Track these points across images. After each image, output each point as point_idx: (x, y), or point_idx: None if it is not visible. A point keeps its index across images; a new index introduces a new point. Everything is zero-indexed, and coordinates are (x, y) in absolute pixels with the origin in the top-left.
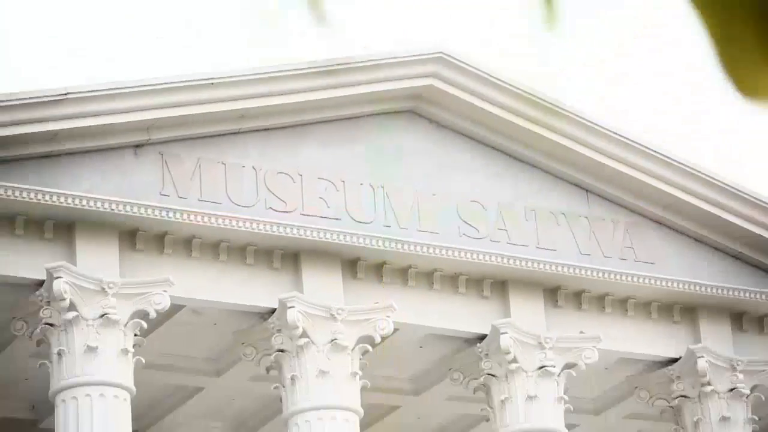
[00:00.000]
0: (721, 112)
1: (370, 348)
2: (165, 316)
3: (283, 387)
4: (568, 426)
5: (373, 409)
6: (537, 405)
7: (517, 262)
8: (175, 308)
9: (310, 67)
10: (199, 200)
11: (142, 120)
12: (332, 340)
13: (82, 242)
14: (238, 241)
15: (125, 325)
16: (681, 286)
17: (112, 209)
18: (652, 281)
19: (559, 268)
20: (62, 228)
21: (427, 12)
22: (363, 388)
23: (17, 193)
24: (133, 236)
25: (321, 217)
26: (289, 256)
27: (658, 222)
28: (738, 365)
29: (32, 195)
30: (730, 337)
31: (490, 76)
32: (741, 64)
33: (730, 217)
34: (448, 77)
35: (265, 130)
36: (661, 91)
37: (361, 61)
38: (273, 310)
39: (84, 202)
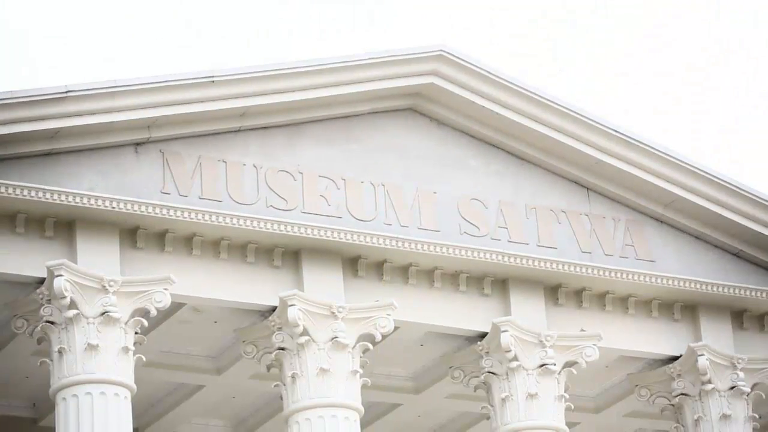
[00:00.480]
0: (722, 111)
1: (370, 346)
2: (165, 314)
3: (284, 385)
4: (569, 424)
5: (374, 407)
6: (537, 403)
7: (518, 260)
8: (176, 306)
9: (311, 66)
10: (200, 198)
11: (142, 118)
12: (333, 338)
13: (82, 240)
14: (239, 239)
15: (126, 323)
16: (681, 284)
17: (113, 207)
18: (653, 279)
19: (560, 266)
20: (63, 226)
21: (427, 12)
22: (363, 386)
23: (18, 191)
24: (134, 234)
25: (321, 215)
26: (289, 254)
27: (659, 220)
28: (739, 363)
29: (33, 193)
30: (730, 334)
31: (491, 74)
32: None
33: (730, 215)
34: (449, 75)
35: (266, 128)
36: (662, 90)
37: (362, 59)
38: (274, 308)
39: (85, 200)
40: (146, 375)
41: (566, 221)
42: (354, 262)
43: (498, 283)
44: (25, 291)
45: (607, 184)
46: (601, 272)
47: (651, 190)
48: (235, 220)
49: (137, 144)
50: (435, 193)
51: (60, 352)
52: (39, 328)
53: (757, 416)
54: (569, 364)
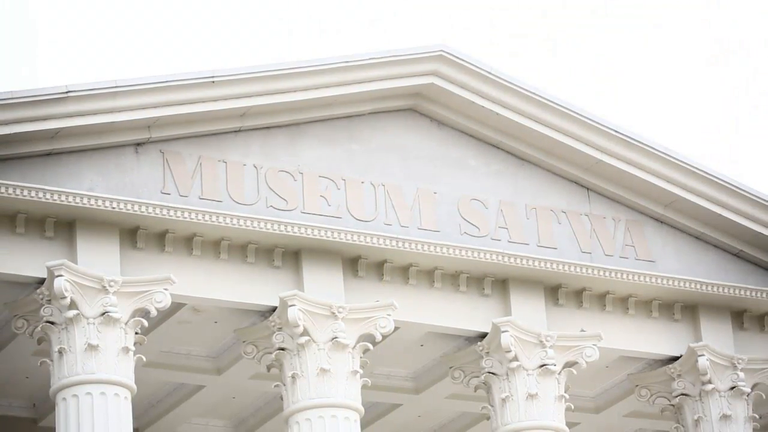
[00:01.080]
0: (722, 111)
1: (370, 346)
2: (166, 314)
3: (284, 385)
4: (569, 424)
5: (374, 407)
6: (538, 403)
7: (518, 261)
8: (176, 306)
9: (311, 66)
10: (200, 198)
11: (143, 118)
12: (333, 339)
13: (83, 240)
14: (239, 239)
15: (126, 324)
16: (681, 284)
17: (113, 207)
18: (653, 279)
19: (560, 267)
20: (63, 226)
21: (427, 12)
22: (364, 386)
23: (18, 192)
24: (134, 234)
25: (322, 215)
26: (289, 255)
27: (659, 220)
28: (739, 363)
29: (33, 193)
30: (730, 335)
31: (491, 74)
32: None
33: (730, 215)
34: (449, 75)
35: (266, 128)
36: (662, 90)
37: (362, 60)
38: (274, 309)
39: (85, 200)
40: (146, 375)
41: (566, 221)
42: (354, 263)
43: (498, 283)
44: (25, 291)
45: (607, 184)
46: (601, 272)
47: (651, 191)
48: (235, 221)
49: (137, 144)
50: (435, 193)
51: (60, 352)
52: (39, 328)
53: (757, 416)
54: (569, 365)
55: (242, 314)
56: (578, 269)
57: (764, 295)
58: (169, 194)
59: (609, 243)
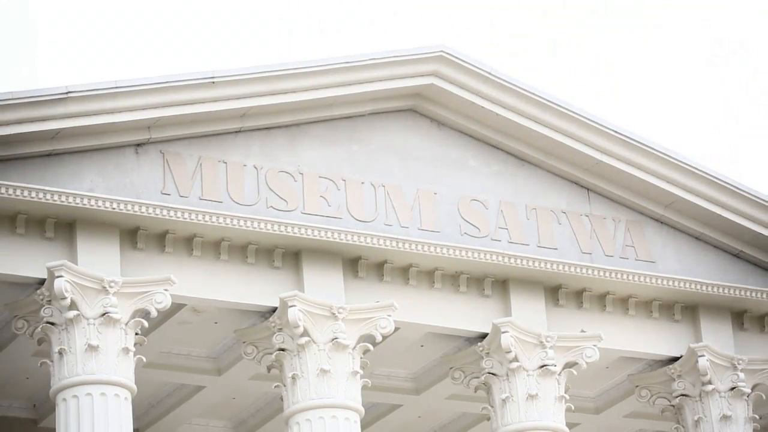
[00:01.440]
0: (722, 111)
1: (371, 347)
2: (166, 314)
3: (284, 386)
4: (569, 425)
5: (374, 407)
6: (538, 404)
7: (518, 261)
8: (176, 307)
9: (311, 66)
10: (200, 199)
11: (143, 119)
12: (333, 339)
13: (83, 241)
14: (239, 239)
15: (126, 324)
16: (682, 284)
17: (113, 208)
18: (653, 280)
19: (560, 267)
20: (63, 227)
21: (427, 12)
22: (364, 387)
23: (18, 192)
24: (134, 235)
25: (322, 215)
26: (290, 255)
27: (659, 221)
28: (739, 364)
29: (33, 194)
30: (731, 335)
31: (491, 74)
32: None
33: (730, 215)
34: (449, 76)
35: (266, 129)
36: (662, 90)
37: (362, 60)
38: (274, 309)
39: (85, 200)
40: (147, 376)
41: (566, 222)
42: (354, 263)
43: (498, 283)
44: (25, 292)
45: (607, 184)
46: (601, 273)
47: (651, 191)
48: (235, 221)
49: (138, 145)
50: (435, 193)
51: (60, 352)
52: (39, 328)
53: (757, 417)
54: (569, 365)
55: (242, 315)
56: (578, 270)
57: (764, 295)
58: (169, 195)
59: (609, 243)
